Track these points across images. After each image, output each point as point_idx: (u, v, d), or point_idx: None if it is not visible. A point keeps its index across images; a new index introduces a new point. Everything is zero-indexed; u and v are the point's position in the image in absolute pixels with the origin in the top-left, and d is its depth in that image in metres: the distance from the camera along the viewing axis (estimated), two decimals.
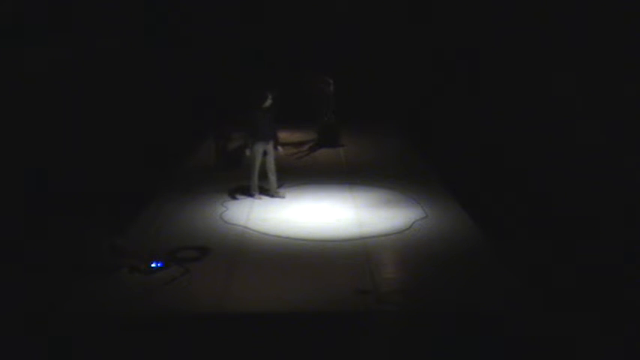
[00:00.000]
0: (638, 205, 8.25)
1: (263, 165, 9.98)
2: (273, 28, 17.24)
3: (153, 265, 7.29)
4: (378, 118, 16.52)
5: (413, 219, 9.03)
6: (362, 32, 17.42)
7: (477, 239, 8.27)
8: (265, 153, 9.90)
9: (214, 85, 16.57)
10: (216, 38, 17.11)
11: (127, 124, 13.58)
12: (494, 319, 6.25)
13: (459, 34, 16.07)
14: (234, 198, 10.05)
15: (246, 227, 8.78)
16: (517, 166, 11.39)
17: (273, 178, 10.02)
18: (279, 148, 10.22)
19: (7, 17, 10.40)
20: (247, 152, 9.91)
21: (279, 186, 10.34)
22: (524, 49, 12.97)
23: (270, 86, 10.17)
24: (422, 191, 10.26)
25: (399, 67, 17.19)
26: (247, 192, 10.05)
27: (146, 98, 14.98)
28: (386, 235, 8.46)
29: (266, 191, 10.09)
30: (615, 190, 8.82)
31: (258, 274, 7.27)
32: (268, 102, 9.80)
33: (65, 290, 6.83)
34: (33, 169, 9.85)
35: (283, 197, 10.05)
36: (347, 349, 5.78)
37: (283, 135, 13.36)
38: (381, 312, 6.41)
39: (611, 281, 6.88)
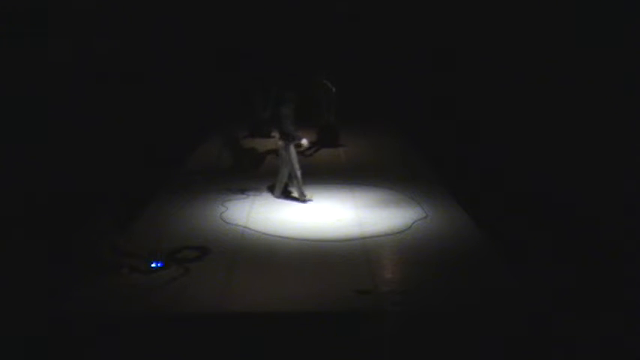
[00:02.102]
0: (638, 205, 8.26)
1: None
2: (273, 29, 17.25)
3: (153, 265, 7.30)
4: (378, 118, 16.52)
5: (413, 219, 9.03)
6: (362, 32, 17.44)
7: (477, 239, 8.27)
8: None
9: (214, 86, 16.56)
10: (215, 37, 17.13)
11: (128, 124, 13.59)
12: (494, 319, 6.25)
13: (458, 33, 16.08)
14: (234, 198, 10.04)
15: (246, 227, 8.78)
16: (517, 166, 11.38)
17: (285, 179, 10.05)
18: (304, 141, 10.26)
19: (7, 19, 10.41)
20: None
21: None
22: (525, 49, 12.98)
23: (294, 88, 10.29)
24: (422, 191, 10.26)
25: (400, 66, 17.20)
26: (299, 199, 9.89)
27: (146, 98, 14.98)
28: (386, 235, 8.47)
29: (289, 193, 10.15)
30: (615, 190, 8.82)
31: (258, 274, 7.27)
32: (295, 104, 9.88)
33: (65, 290, 6.83)
34: (34, 169, 9.85)
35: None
36: (347, 349, 5.78)
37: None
38: (381, 312, 6.41)
39: (611, 281, 6.89)
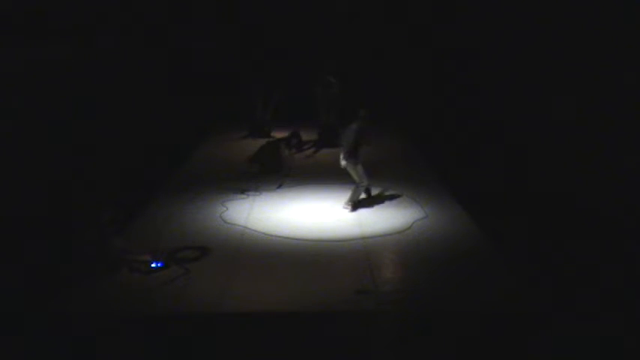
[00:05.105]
0: (638, 205, 8.26)
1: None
2: (274, 27, 17.23)
3: (153, 265, 7.30)
4: (377, 118, 16.48)
5: (413, 219, 9.03)
6: (362, 31, 17.43)
7: (477, 239, 8.27)
8: None
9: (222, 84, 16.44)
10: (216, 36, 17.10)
11: (128, 124, 13.60)
12: (494, 319, 6.26)
13: (458, 33, 16.08)
14: (234, 198, 10.04)
15: (246, 227, 8.78)
16: (517, 166, 11.39)
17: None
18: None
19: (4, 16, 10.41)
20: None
21: (280, 185, 10.54)
22: (523, 49, 12.98)
23: None
24: (422, 191, 10.26)
25: (399, 66, 17.19)
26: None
27: (146, 97, 14.98)
28: (386, 235, 8.47)
29: None
30: (616, 189, 8.83)
31: (258, 274, 7.27)
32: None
33: (65, 290, 6.83)
34: (33, 169, 9.86)
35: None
36: (347, 349, 5.78)
37: (282, 135, 13.37)
38: (381, 312, 6.42)
39: (611, 281, 6.89)
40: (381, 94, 16.86)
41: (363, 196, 9.66)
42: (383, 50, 17.40)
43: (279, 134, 13.77)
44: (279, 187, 10.56)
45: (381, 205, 9.69)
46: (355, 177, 9.51)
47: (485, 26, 14.91)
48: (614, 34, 9.38)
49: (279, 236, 8.44)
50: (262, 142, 12.68)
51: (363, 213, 9.32)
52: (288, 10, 17.37)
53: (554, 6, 11.53)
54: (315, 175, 11.52)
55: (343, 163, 9.50)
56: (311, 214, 9.35)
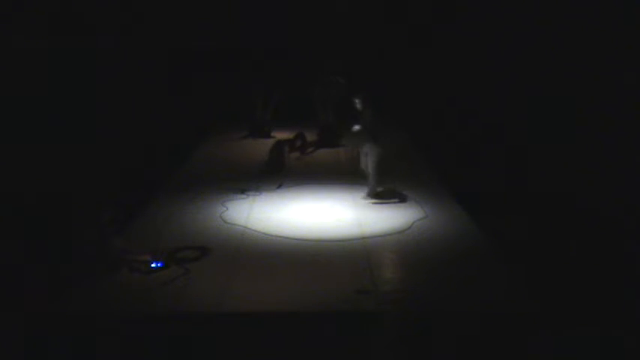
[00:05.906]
0: (639, 205, 8.27)
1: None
2: (274, 27, 17.23)
3: (153, 265, 7.30)
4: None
5: (413, 219, 9.03)
6: (362, 31, 17.43)
7: (477, 239, 8.26)
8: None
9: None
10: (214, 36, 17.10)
11: (128, 124, 13.59)
12: (494, 319, 6.25)
13: (458, 33, 16.09)
14: (234, 198, 10.04)
15: (246, 227, 8.78)
16: (517, 166, 11.39)
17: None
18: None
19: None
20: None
21: (279, 185, 10.52)
22: (523, 50, 12.99)
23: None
24: (422, 191, 10.26)
25: (399, 66, 17.19)
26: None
27: (146, 97, 14.98)
28: (386, 235, 8.46)
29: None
30: (616, 189, 8.83)
31: (258, 274, 7.26)
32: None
33: (65, 290, 6.83)
34: (33, 169, 9.86)
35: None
36: (347, 349, 5.78)
37: (285, 135, 13.39)
38: (381, 312, 6.41)
39: (611, 281, 6.89)
40: (381, 93, 16.88)
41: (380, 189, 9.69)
42: (383, 50, 17.40)
43: (279, 134, 13.79)
44: (279, 187, 10.56)
45: (381, 205, 9.69)
46: (371, 164, 9.54)
47: (485, 26, 14.90)
48: (614, 34, 9.38)
49: (279, 236, 8.44)
50: (267, 144, 12.66)
51: (363, 213, 9.32)
52: (288, 10, 17.36)
53: (554, 7, 11.52)
54: (315, 175, 11.52)
55: (368, 148, 9.55)
56: (311, 214, 9.35)
